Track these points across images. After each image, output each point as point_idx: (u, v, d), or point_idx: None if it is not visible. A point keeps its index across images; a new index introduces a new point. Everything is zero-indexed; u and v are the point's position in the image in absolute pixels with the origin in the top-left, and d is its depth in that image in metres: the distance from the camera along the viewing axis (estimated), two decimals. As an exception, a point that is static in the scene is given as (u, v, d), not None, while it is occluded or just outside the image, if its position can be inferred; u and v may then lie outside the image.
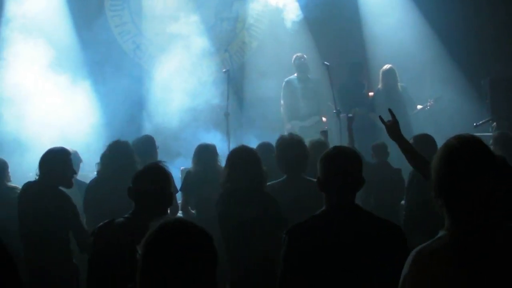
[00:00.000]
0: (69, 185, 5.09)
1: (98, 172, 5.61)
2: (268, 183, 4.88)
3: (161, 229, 1.97)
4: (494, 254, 2.12)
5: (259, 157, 4.67)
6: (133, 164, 5.47)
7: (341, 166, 3.07)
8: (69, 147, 6.55)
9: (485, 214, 2.16)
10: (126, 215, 3.50)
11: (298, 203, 4.50)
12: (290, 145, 4.97)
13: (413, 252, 2.21)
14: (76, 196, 5.52)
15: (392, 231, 3.01)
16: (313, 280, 2.96)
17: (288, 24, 9.79)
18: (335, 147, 3.29)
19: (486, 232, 2.15)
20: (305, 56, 9.19)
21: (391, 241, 2.97)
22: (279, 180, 5.00)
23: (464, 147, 2.23)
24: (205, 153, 6.24)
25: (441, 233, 2.21)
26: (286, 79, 9.23)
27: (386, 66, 9.00)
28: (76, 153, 6.59)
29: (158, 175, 3.56)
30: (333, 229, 3.00)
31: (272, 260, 4.12)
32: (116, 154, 5.49)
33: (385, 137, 8.04)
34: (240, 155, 4.67)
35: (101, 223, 3.53)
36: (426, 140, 5.39)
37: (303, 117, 8.98)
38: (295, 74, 9.19)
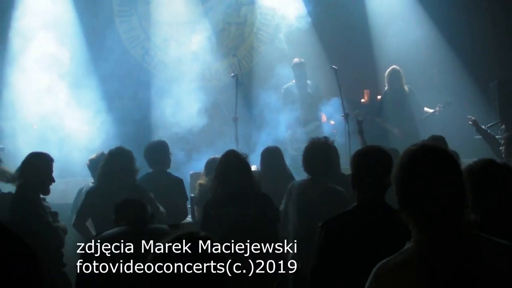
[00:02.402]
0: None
1: (97, 177, 5.62)
2: (293, 180, 5.08)
3: (170, 247, 1.93)
4: (462, 265, 2.02)
5: (246, 161, 4.79)
6: (132, 171, 5.50)
7: (373, 163, 3.24)
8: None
9: (452, 220, 2.06)
10: None
11: (316, 205, 4.60)
12: (315, 148, 5.03)
13: (375, 267, 2.13)
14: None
15: None
16: (344, 273, 3.07)
17: (296, 28, 9.82)
18: (368, 146, 3.51)
19: (454, 241, 2.05)
20: (303, 61, 9.13)
21: None
22: (303, 179, 5.10)
23: (423, 152, 2.14)
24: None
25: (407, 246, 2.12)
26: (284, 86, 9.21)
27: (391, 68, 9.02)
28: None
29: None
30: (365, 224, 3.15)
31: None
32: (115, 161, 5.49)
33: (395, 142, 8.10)
34: (227, 160, 4.77)
35: None
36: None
37: (304, 123, 8.96)
38: (293, 81, 9.17)
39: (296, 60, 9.16)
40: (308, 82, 9.18)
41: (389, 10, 10.14)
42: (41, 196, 5.11)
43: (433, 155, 2.13)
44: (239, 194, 4.59)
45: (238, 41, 10.62)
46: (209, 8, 10.27)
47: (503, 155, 7.01)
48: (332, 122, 9.28)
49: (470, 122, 7.11)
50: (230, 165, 4.71)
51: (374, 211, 3.20)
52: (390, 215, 3.16)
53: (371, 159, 3.27)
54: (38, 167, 5.00)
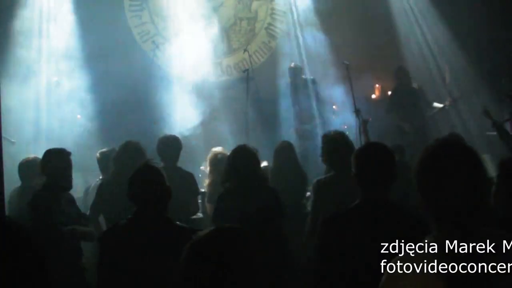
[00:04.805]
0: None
1: (111, 173, 5.61)
2: (318, 178, 4.99)
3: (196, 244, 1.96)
4: (480, 261, 1.98)
5: (257, 156, 4.84)
6: None
7: (374, 161, 3.21)
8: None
9: (472, 216, 2.04)
10: (129, 216, 3.51)
11: (346, 198, 4.54)
12: (337, 142, 5.00)
13: (389, 263, 2.11)
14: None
15: (423, 226, 3.03)
16: (344, 271, 3.04)
17: (306, 23, 9.81)
18: (369, 143, 3.43)
19: (475, 237, 2.01)
20: (293, 65, 9.22)
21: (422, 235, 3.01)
22: (328, 175, 5.06)
23: (444, 148, 2.13)
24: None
25: (425, 240, 2.09)
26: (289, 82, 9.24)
27: (398, 66, 9.10)
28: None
29: (148, 175, 3.60)
30: (365, 222, 3.10)
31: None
32: (128, 155, 5.48)
33: (406, 138, 8.06)
34: (238, 155, 4.82)
35: (105, 230, 3.52)
36: None
37: (307, 120, 8.91)
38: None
39: (291, 65, 9.24)
40: (312, 78, 9.15)
41: (402, 7, 10.12)
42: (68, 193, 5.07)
43: (454, 151, 2.11)
44: (246, 187, 4.65)
45: (249, 36, 10.63)
46: (220, 2, 10.28)
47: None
48: (334, 107, 9.21)
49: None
50: (239, 160, 4.76)
51: (378, 208, 3.15)
52: (395, 213, 3.14)
53: (373, 157, 3.25)
54: (56, 166, 4.90)
